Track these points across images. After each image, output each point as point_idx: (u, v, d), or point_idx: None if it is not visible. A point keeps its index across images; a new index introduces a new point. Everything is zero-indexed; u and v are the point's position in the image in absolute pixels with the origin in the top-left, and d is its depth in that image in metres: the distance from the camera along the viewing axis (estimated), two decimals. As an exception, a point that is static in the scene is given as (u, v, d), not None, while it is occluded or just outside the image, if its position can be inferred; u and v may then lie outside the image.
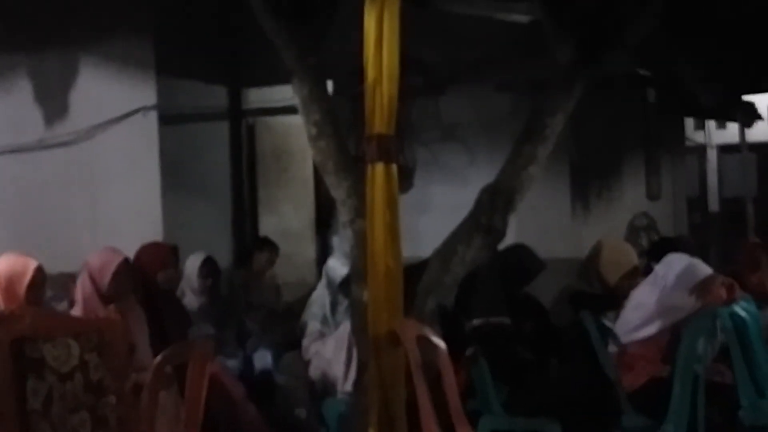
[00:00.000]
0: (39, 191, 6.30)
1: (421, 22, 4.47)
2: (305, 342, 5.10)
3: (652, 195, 8.38)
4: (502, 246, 4.52)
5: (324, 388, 4.82)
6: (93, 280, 4.32)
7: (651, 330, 4.42)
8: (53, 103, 6.30)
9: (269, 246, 6.31)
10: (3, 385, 2.72)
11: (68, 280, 5.09)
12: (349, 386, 4.57)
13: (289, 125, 6.68)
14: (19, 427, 2.75)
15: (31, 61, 6.34)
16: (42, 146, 6.27)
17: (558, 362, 4.72)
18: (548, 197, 7.00)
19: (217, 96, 6.73)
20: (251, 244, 6.56)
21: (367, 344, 3.56)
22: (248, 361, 5.15)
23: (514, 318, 4.72)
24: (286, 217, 7.16)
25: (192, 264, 5.29)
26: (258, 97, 6.88)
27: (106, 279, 4.30)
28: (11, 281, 4.03)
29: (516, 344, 4.68)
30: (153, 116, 6.10)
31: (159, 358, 3.19)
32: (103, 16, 6.18)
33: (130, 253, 4.76)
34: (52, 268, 5.02)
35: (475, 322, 4.61)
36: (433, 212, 6.85)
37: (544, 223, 6.98)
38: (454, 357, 3.38)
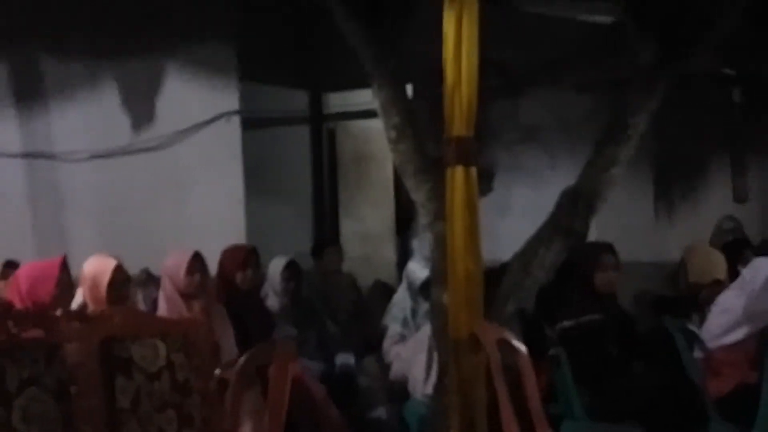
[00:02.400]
0: (127, 196, 6.43)
1: (500, 23, 4.45)
2: (386, 344, 5.13)
3: (739, 197, 8.19)
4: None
5: (404, 390, 4.84)
6: (171, 280, 4.44)
7: (738, 335, 4.33)
8: (140, 109, 6.43)
9: (331, 244, 6.28)
10: (93, 384, 2.77)
11: (147, 280, 5.23)
12: (429, 389, 4.57)
13: (369, 129, 6.72)
14: (109, 425, 2.80)
15: (118, 68, 6.48)
16: (129, 151, 6.42)
17: (642, 367, 4.65)
18: (631, 199, 6.89)
19: (298, 101, 6.81)
20: (314, 246, 6.54)
21: (447, 347, 3.56)
22: (330, 363, 5.19)
23: (599, 320, 4.66)
24: (366, 220, 7.20)
25: (275, 267, 5.35)
26: (338, 101, 6.93)
27: (180, 276, 4.41)
28: (95, 281, 4.15)
29: (601, 348, 4.62)
30: (236, 121, 6.19)
31: (243, 358, 3.25)
32: (187, 23, 6.30)
33: (215, 256, 4.86)
34: (138, 271, 5.17)
35: (566, 323, 4.56)
36: (513, 215, 6.80)
37: (626, 226, 6.87)
38: (535, 361, 3.36)
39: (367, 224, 7.18)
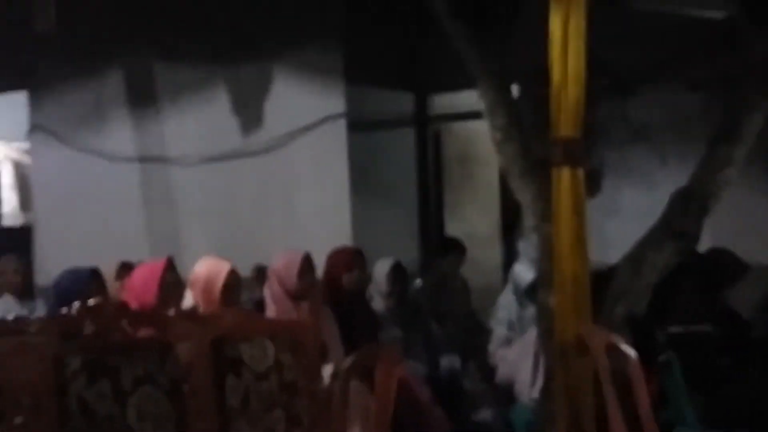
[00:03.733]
0: (236, 198, 6.57)
1: (607, 21, 4.37)
2: (492, 347, 5.10)
3: None
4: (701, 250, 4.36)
5: (510, 393, 4.80)
6: (280, 281, 4.49)
7: None
8: (249, 112, 6.56)
9: (456, 247, 6.27)
10: (204, 383, 2.82)
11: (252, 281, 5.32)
12: (536, 393, 4.52)
13: (475, 130, 6.69)
14: (219, 423, 2.85)
15: (227, 72, 6.62)
16: (239, 155, 6.54)
17: (757, 373, 4.50)
18: (747, 200, 6.67)
19: (404, 103, 6.82)
20: (438, 246, 6.55)
21: (554, 351, 3.51)
22: (435, 365, 5.19)
23: (714, 325, 4.54)
24: (472, 222, 7.17)
25: (381, 268, 5.38)
26: (444, 103, 6.92)
27: (292, 278, 4.45)
28: (208, 284, 4.22)
29: (716, 353, 4.50)
30: (342, 124, 6.25)
31: (349, 359, 3.27)
32: (294, 27, 6.39)
33: (321, 258, 4.91)
34: (248, 272, 5.27)
35: (673, 329, 4.46)
36: (621, 216, 6.66)
37: (743, 227, 6.65)
38: (645, 366, 3.28)
39: (472, 226, 7.15)
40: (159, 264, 4.23)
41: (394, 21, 6.55)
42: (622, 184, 6.95)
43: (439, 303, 5.86)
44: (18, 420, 2.38)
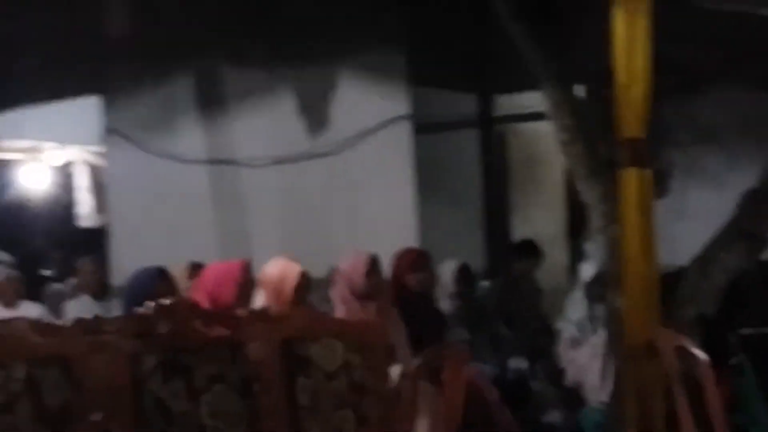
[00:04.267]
0: (303, 199, 6.63)
1: (675, 19, 4.33)
2: (560, 348, 5.08)
3: None
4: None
5: (579, 396, 4.78)
6: (348, 282, 4.52)
7: None
8: (315, 115, 6.61)
9: (532, 251, 6.20)
10: (275, 382, 2.86)
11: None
12: (605, 396, 4.49)
13: (539, 131, 6.66)
14: (290, 422, 2.89)
15: (294, 75, 6.69)
16: (305, 157, 6.61)
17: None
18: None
19: (468, 104, 6.82)
20: (514, 248, 6.47)
21: (623, 353, 3.49)
22: (503, 366, 5.18)
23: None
24: (538, 223, 7.14)
25: (447, 269, 5.39)
26: (508, 103, 6.91)
27: (359, 279, 4.49)
28: (280, 284, 4.27)
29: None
30: (406, 125, 6.26)
31: (417, 360, 3.30)
32: (359, 30, 6.43)
33: (388, 259, 4.94)
34: (315, 273, 5.32)
35: (745, 331, 4.39)
36: (690, 218, 6.58)
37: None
38: (716, 368, 3.25)
39: (537, 227, 7.12)
40: (236, 264, 4.29)
41: (458, 22, 6.56)
42: (689, 185, 6.86)
43: (510, 305, 5.83)
44: (96, 417, 2.44)
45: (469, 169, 6.79)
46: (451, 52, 6.57)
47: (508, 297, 5.86)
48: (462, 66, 6.70)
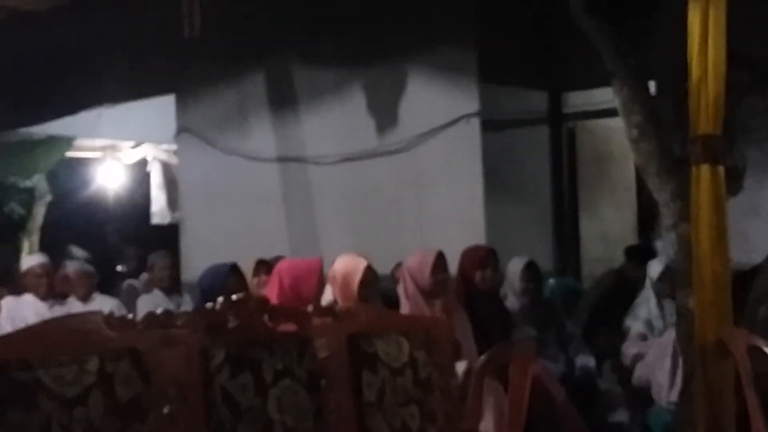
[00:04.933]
0: (371, 197, 6.66)
1: (749, 13, 4.24)
2: (628, 347, 5.02)
3: None
4: None
5: (648, 395, 4.72)
6: (414, 279, 4.54)
7: None
8: (384, 112, 6.63)
9: (642, 255, 6.00)
10: (341, 377, 2.88)
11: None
12: (674, 395, 4.44)
13: (610, 128, 6.59)
14: (356, 417, 2.91)
15: (363, 73, 6.72)
16: (374, 154, 6.64)
17: None
18: None
19: (538, 101, 6.77)
20: (626, 252, 6.29)
21: (694, 353, 3.44)
22: (570, 365, 5.14)
23: None
24: (607, 221, 7.05)
25: (514, 267, 5.37)
26: (578, 100, 6.84)
27: (425, 276, 4.50)
28: (346, 279, 4.32)
29: None
30: (476, 123, 6.24)
31: (483, 357, 3.29)
32: (428, 27, 6.43)
33: (455, 256, 4.94)
34: (383, 269, 5.34)
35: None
36: (763, 215, 6.43)
37: None
38: (790, 369, 3.18)
39: (607, 225, 7.03)
40: (315, 261, 4.34)
41: (528, 18, 6.52)
42: (764, 183, 6.70)
43: (614, 306, 5.71)
44: (166, 410, 2.48)
45: (538, 166, 6.74)
46: (521, 48, 6.52)
47: (613, 298, 5.76)
48: (532, 62, 6.65)
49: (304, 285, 4.19)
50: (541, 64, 6.66)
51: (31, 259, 6.60)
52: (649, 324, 4.94)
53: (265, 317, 2.76)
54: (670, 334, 4.47)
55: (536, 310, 5.28)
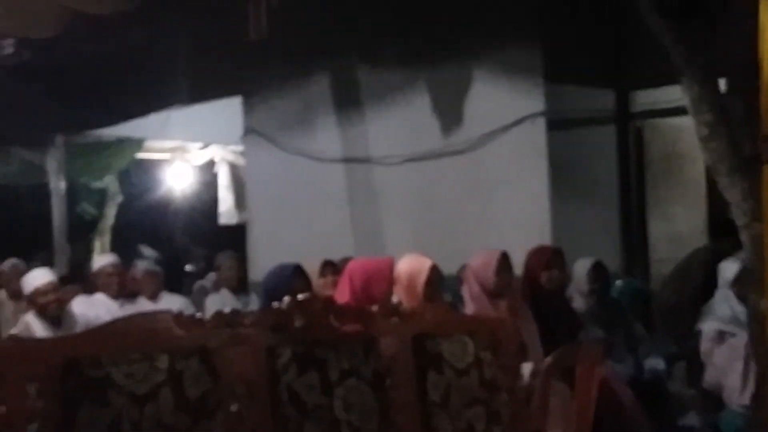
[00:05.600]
0: (436, 197, 6.65)
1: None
2: (701, 349, 4.93)
3: None
4: None
5: (719, 399, 4.63)
6: (478, 279, 4.52)
7: None
8: (449, 112, 6.62)
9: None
10: (406, 377, 2.89)
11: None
12: (746, 399, 4.35)
13: (679, 127, 6.48)
14: (421, 417, 2.91)
15: (428, 73, 6.71)
16: (439, 154, 6.63)
17: None
18: None
19: (605, 100, 6.69)
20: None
21: (767, 355, 3.37)
22: (639, 367, 5.07)
23: None
24: (677, 221, 6.94)
25: (581, 268, 5.31)
26: (646, 99, 6.74)
27: (489, 276, 4.48)
28: (411, 279, 4.32)
29: None
30: (541, 122, 6.20)
31: (549, 358, 3.27)
32: (493, 27, 6.40)
33: (520, 256, 4.91)
34: (447, 269, 5.34)
35: None
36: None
37: None
38: None
39: (677, 225, 6.92)
40: (386, 262, 4.35)
41: (594, 17, 6.44)
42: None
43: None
44: (233, 407, 2.52)
45: (604, 166, 6.65)
46: (588, 46, 6.45)
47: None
48: (599, 60, 6.57)
49: (374, 285, 4.20)
50: (609, 62, 6.58)
51: (102, 259, 6.74)
52: (722, 326, 4.84)
53: (331, 317, 2.78)
54: (743, 337, 4.38)
55: (603, 312, 5.22)
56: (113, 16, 6.45)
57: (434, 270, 4.35)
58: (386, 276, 4.25)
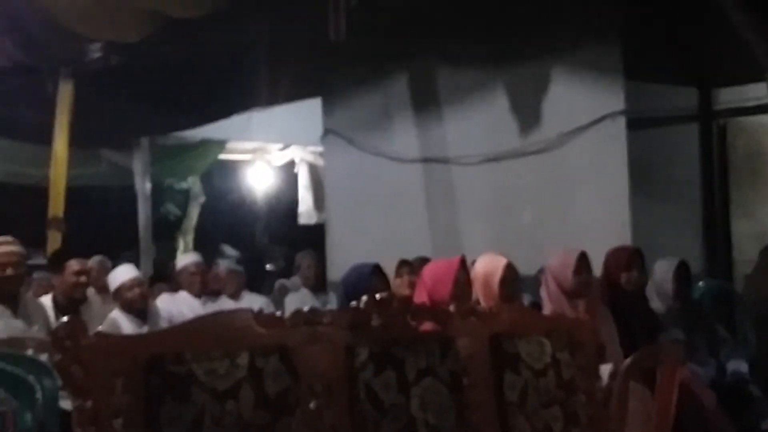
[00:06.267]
0: (515, 197, 6.63)
1: None
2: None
3: None
4: None
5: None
6: (556, 280, 4.49)
7: None
8: (527, 112, 6.59)
9: None
10: (483, 377, 2.89)
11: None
12: (833, 403, 4.23)
13: (764, 125, 6.34)
14: (498, 417, 2.91)
15: (506, 73, 6.69)
16: (517, 154, 6.60)
17: None
18: None
19: (686, 98, 6.57)
20: None
21: None
22: (721, 370, 4.98)
23: None
24: (761, 221, 6.78)
25: (664, 268, 5.23)
26: (729, 96, 6.60)
27: (568, 276, 4.45)
28: (486, 279, 4.32)
29: None
30: (621, 121, 6.13)
31: (629, 360, 3.24)
32: (572, 26, 6.35)
33: (599, 256, 4.86)
34: (525, 270, 5.32)
35: None
36: None
37: None
38: None
39: (761, 224, 6.76)
40: (452, 263, 4.36)
41: (675, 14, 6.34)
42: None
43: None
44: (312, 405, 2.55)
45: (686, 165, 6.54)
46: (669, 43, 6.35)
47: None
48: (680, 58, 6.46)
49: (440, 287, 4.21)
50: (690, 59, 6.47)
51: (185, 258, 6.89)
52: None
53: (408, 317, 2.80)
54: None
55: (685, 313, 5.13)
56: (196, 19, 6.58)
57: (509, 268, 4.33)
58: (452, 276, 4.24)
